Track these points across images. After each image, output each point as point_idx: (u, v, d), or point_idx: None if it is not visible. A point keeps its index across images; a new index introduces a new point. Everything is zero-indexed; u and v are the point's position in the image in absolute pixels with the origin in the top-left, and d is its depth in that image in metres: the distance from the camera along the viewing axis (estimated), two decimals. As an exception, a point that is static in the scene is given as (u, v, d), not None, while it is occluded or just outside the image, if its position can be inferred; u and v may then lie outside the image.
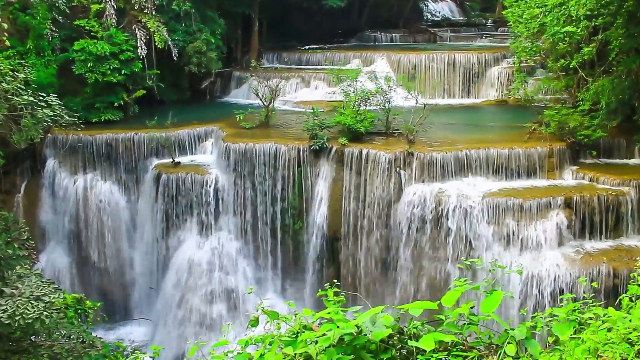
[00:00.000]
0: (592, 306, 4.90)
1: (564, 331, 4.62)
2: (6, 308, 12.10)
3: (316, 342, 4.23)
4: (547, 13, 22.42)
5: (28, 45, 25.23)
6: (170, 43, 28.70)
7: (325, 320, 4.55)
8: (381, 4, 44.09)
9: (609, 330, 4.44)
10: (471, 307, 4.58)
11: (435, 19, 48.64)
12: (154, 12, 28.51)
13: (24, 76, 16.14)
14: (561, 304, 5.11)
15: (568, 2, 20.53)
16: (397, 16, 44.75)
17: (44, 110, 16.95)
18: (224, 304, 23.24)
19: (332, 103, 25.67)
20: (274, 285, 23.61)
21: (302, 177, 22.80)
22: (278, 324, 4.86)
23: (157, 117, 25.41)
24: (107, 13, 27.38)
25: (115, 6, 27.62)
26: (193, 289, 23.28)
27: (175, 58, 29.12)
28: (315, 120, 22.92)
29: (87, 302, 16.46)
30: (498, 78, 29.70)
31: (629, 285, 5.55)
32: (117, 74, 26.57)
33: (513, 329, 4.43)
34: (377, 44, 40.02)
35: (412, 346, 4.27)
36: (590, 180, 20.53)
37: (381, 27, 42.36)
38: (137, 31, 27.84)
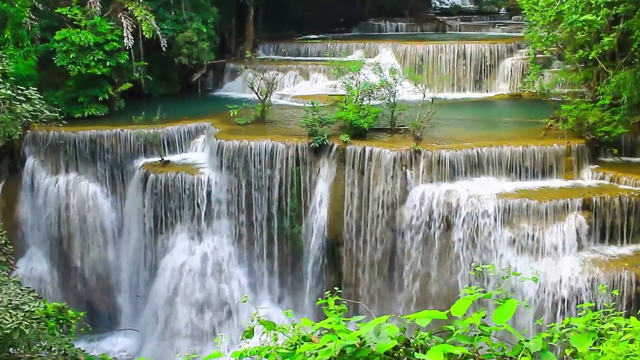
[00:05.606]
0: (613, 316, 4.91)
1: (582, 343, 4.63)
2: (-18, 318, 12.08)
3: (316, 355, 4.24)
4: (564, 0, 22.45)
5: (5, 35, 25.21)
6: (158, 33, 28.69)
7: (326, 331, 4.56)
8: (386, -9, 44.23)
9: (631, 341, 4.44)
10: (483, 317, 4.59)
11: (444, 6, 48.72)
12: (141, 0, 28.53)
13: (1, 68, 16.17)
14: (579, 314, 5.12)
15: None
16: (403, 4, 44.77)
17: (23, 105, 16.98)
18: (217, 314, 23.27)
19: (333, 97, 25.68)
20: (271, 294, 23.64)
21: (301, 177, 22.81)
22: (275, 334, 4.87)
23: (144, 113, 25.42)
24: (90, 0, 27.38)
25: (99, -7, 27.65)
26: (183, 297, 23.30)
27: (164, 49, 29.10)
28: (315, 115, 22.93)
29: (70, 311, 16.44)
30: (512, 70, 29.70)
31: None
32: (101, 66, 26.57)
33: (528, 341, 4.44)
34: (381, 33, 40.11)
35: (419, 359, 4.28)
36: (610, 181, 20.54)
37: (386, 16, 42.44)
38: (123, 20, 27.84)
